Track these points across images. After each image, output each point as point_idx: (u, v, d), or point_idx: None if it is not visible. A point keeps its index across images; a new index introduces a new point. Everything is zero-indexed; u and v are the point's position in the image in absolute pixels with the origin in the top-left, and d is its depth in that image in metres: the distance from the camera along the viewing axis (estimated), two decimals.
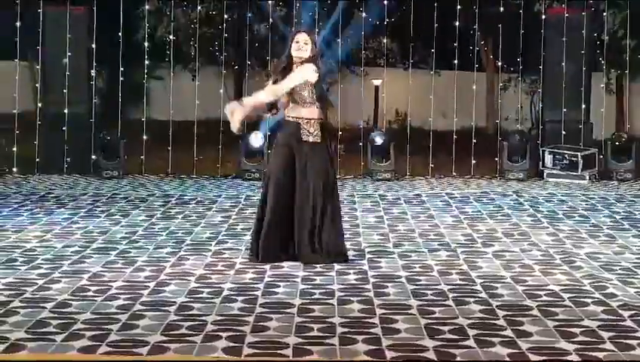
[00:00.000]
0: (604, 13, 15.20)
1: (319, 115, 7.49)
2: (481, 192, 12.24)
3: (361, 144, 14.25)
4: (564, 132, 14.23)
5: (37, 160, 13.75)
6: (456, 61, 14.72)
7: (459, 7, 14.66)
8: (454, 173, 14.20)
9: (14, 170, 13.67)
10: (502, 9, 14.76)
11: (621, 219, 10.12)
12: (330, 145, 7.62)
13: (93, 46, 14.08)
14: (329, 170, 7.52)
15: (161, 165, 14.25)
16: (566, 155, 13.84)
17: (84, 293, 6.39)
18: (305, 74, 7.44)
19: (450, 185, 13.15)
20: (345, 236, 7.86)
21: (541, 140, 14.46)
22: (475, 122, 15.01)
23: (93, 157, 13.80)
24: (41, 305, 6.01)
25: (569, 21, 14.24)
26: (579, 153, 13.80)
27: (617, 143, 14.23)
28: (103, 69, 16.26)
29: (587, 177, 13.68)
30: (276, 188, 7.47)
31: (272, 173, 7.56)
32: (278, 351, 5.06)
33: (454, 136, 14.54)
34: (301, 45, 7.47)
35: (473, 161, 14.35)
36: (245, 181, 13.34)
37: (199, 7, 16.01)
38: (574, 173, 13.70)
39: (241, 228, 9.26)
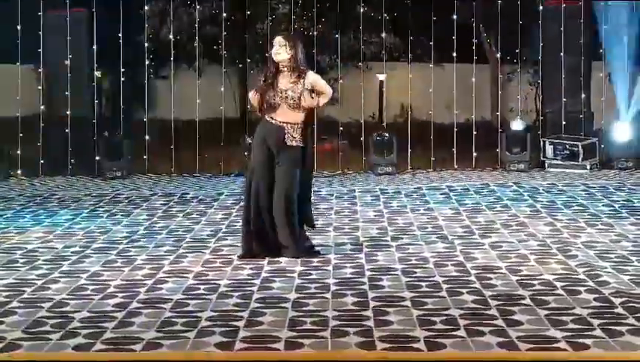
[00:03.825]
0: (602, 3, 15.16)
1: (304, 120, 7.62)
2: (482, 184, 12.28)
3: (362, 139, 14.29)
4: (564, 122, 14.25)
5: (41, 162, 13.85)
6: (454, 54, 14.72)
7: (457, 1, 14.74)
8: (456, 166, 14.22)
9: (18, 172, 13.75)
10: (500, 1, 14.76)
11: (620, 207, 10.15)
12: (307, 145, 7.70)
13: (94, 47, 14.16)
14: (296, 172, 7.56)
15: (164, 164, 14.31)
16: (567, 145, 13.87)
17: (82, 292, 6.47)
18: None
19: (452, 178, 13.18)
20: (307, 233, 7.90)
21: (542, 130, 14.49)
22: (477, 115, 15.01)
23: (97, 158, 13.88)
24: (39, 304, 6.09)
25: (566, 11, 14.26)
26: (579, 143, 13.83)
27: None
28: (105, 70, 16.33)
29: (588, 166, 13.70)
30: (258, 186, 7.57)
31: (255, 171, 7.64)
32: (270, 345, 5.14)
33: (455, 129, 14.56)
34: (277, 49, 7.61)
35: (475, 154, 14.36)
36: None
37: (198, 7, 16.03)
38: (575, 163, 13.72)
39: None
